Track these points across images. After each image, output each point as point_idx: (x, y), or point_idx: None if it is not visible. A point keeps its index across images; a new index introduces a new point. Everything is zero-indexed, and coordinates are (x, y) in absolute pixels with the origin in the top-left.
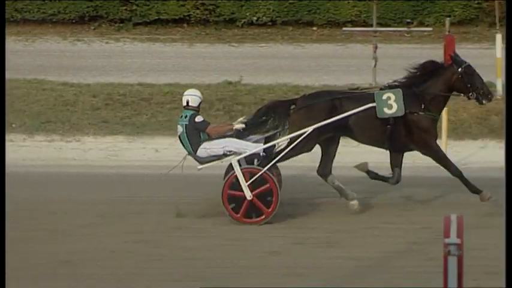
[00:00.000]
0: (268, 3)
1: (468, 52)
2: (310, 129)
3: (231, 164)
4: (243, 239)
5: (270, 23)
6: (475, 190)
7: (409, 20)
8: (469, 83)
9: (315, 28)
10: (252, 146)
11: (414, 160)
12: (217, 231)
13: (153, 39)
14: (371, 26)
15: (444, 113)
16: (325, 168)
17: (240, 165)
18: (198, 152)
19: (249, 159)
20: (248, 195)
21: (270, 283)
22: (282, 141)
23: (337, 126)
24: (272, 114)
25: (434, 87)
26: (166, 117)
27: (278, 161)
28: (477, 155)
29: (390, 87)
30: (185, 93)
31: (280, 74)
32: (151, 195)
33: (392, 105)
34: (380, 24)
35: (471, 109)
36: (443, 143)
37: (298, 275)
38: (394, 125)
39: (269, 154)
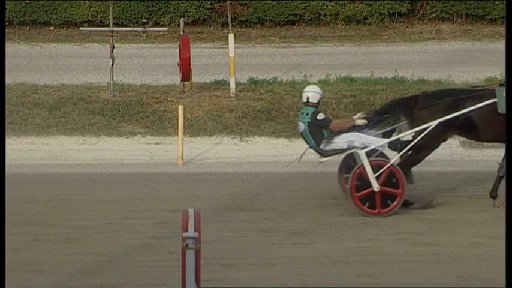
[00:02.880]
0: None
1: (202, 51)
2: (435, 123)
3: (346, 157)
4: None
5: (6, 23)
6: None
7: (144, 20)
8: None
9: (52, 28)
10: (375, 141)
11: (152, 157)
12: None
13: None
14: (108, 26)
15: (180, 110)
16: None
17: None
18: (321, 145)
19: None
20: (375, 186)
21: (11, 280)
22: (405, 136)
23: (460, 125)
24: (394, 111)
25: None
26: None
27: (414, 162)
28: (212, 150)
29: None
30: (305, 89)
31: (18, 73)
32: None
33: None
34: (116, 25)
35: (206, 106)
36: (180, 139)
37: (39, 271)
38: None
39: (394, 149)
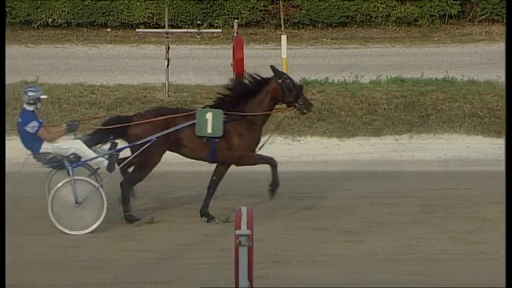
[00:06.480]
0: (62, 5)
1: (255, 52)
2: None
3: None
4: (41, 234)
5: (65, 25)
6: None
7: (199, 22)
8: None
9: (109, 29)
10: None
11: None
12: (11, 228)
13: None
14: (163, 27)
15: None
16: None
17: None
18: None
19: None
20: None
21: (68, 276)
22: None
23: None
24: None
25: None
26: None
27: None
28: (265, 149)
29: None
30: None
31: (76, 73)
32: None
33: None
34: (172, 26)
35: None
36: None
37: (95, 267)
38: None
39: None
